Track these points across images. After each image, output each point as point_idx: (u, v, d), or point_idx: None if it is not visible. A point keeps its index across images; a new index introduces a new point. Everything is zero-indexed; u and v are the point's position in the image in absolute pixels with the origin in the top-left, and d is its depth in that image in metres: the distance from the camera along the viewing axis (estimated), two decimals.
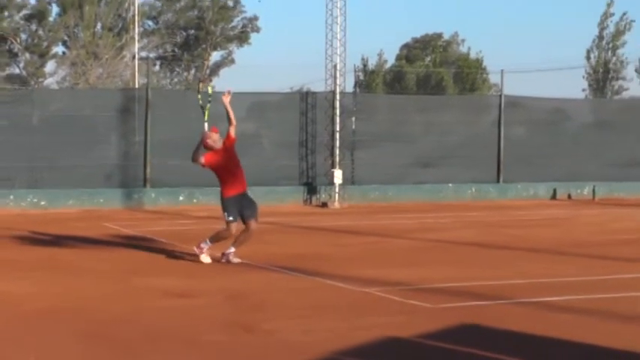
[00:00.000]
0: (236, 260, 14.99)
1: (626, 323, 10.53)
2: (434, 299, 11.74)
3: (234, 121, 14.96)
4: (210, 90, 16.01)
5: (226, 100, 15.00)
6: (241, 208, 14.99)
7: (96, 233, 19.27)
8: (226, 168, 14.99)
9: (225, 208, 15.03)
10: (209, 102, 15.56)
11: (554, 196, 29.87)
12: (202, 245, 15.05)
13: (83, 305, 11.56)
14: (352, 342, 9.41)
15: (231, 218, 14.94)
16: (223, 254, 15.05)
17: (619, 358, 8.99)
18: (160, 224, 21.23)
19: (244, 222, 15.02)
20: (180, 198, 25.95)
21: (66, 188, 25.18)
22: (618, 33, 65.37)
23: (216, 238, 15.13)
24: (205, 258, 15.01)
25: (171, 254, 16.39)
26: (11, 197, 24.56)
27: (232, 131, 14.92)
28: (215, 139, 14.96)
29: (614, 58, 65.75)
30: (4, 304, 11.57)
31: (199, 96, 15.59)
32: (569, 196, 29.97)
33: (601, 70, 65.13)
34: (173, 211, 24.33)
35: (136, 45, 34.86)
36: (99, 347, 9.33)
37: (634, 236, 19.58)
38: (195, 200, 25.84)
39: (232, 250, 15.04)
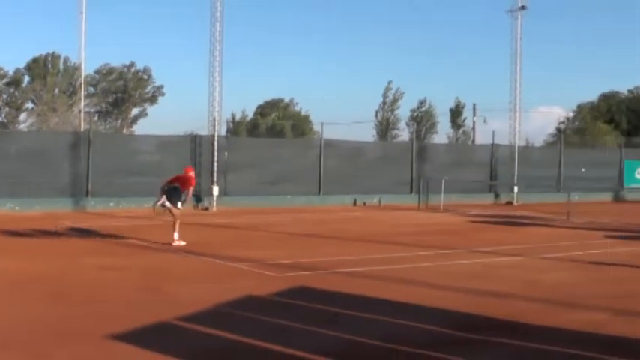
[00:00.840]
0: (183, 243, 15.15)
1: (407, 284, 10.89)
2: (278, 270, 11.89)
3: (190, 192, 16.33)
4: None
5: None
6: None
7: (55, 228, 18.70)
8: (180, 182, 15.94)
9: (178, 202, 15.54)
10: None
11: (355, 204, 30.28)
12: (175, 237, 15.18)
13: (46, 276, 11.33)
14: (225, 297, 9.49)
15: (180, 207, 15.55)
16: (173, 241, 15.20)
17: (403, 309, 9.27)
18: (98, 222, 20.69)
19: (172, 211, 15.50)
20: (111, 204, 25.32)
21: (33, 198, 24.34)
22: (395, 100, 66.81)
23: (177, 228, 15.24)
24: (180, 242, 15.14)
25: (106, 240, 16.06)
26: None
27: (191, 189, 16.41)
28: (186, 171, 16.68)
29: (392, 116, 67.19)
30: None
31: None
32: (365, 204, 30.42)
33: (384, 124, 66.54)
34: (106, 213, 23.74)
35: (82, 103, 33.99)
36: (57, 302, 9.19)
37: (409, 229, 20.03)
38: (121, 206, 25.22)
39: (177, 235, 15.23)
